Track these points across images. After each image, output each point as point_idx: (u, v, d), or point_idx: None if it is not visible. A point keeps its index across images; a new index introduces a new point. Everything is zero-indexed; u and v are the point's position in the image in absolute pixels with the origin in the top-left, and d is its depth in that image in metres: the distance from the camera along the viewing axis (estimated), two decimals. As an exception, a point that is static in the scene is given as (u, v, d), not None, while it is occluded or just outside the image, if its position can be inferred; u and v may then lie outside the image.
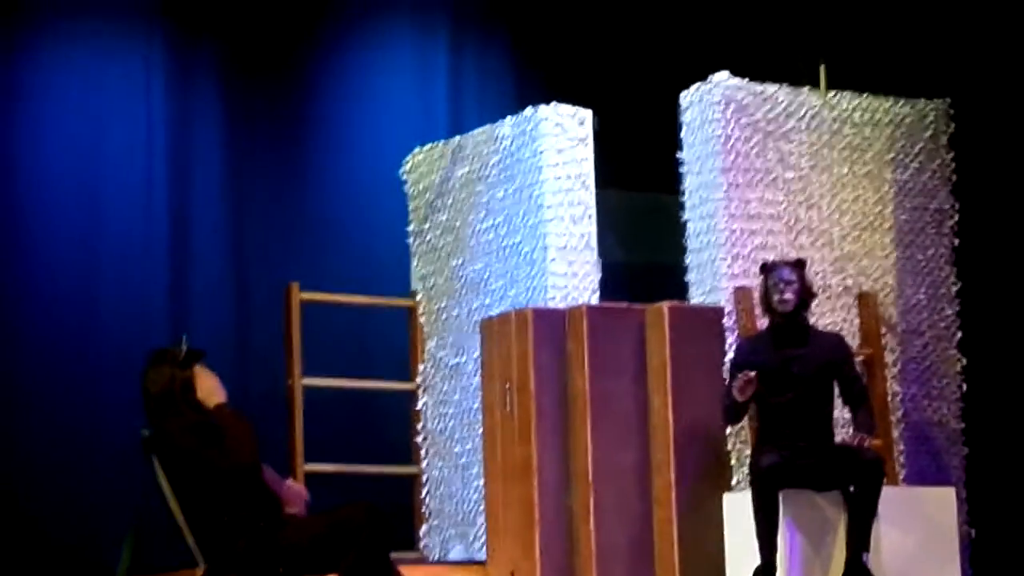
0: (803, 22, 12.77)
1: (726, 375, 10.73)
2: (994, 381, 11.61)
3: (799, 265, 10.38)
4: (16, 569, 11.52)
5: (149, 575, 9.46)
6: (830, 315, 11.12)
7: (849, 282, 11.53)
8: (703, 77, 11.43)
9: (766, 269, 10.43)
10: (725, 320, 11.06)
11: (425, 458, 12.36)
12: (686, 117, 11.47)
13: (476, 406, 11.51)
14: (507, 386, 10.81)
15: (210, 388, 8.70)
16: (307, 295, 11.92)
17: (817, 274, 10.98)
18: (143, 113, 12.80)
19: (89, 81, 12.67)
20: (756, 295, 10.89)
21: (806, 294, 10.33)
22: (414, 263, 12.62)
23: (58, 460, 11.87)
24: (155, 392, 8.54)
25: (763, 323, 10.74)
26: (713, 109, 11.29)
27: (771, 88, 11.55)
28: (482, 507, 11.36)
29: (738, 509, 10.32)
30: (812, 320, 10.66)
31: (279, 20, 13.01)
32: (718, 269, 11.20)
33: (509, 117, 11.88)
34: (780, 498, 10.03)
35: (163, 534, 8.74)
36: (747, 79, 11.45)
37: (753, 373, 9.94)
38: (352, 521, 8.34)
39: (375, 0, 13.50)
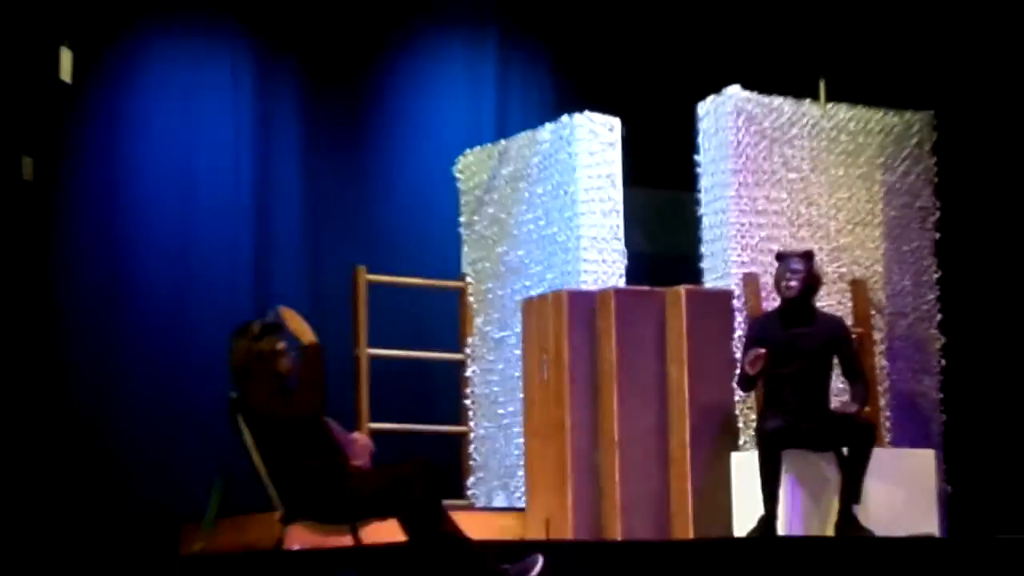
0: (805, 41, 12.72)
1: (735, 350, 10.73)
2: (970, 357, 11.54)
3: (807, 256, 10.38)
4: (127, 513, 11.48)
5: (235, 516, 9.41)
6: (827, 299, 11.03)
7: (844, 270, 11.52)
8: (718, 90, 11.38)
9: (779, 258, 10.44)
10: (734, 302, 10.99)
11: (472, 419, 12.33)
12: (702, 125, 11.41)
13: (517, 374, 11.49)
14: (544, 357, 10.84)
15: (301, 328, 8.67)
16: (372, 277, 11.85)
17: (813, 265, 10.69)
18: (231, 119, 12.76)
19: (185, 92, 12.60)
20: (766, 280, 10.89)
21: (812, 281, 10.32)
22: (464, 250, 12.57)
23: (162, 418, 11.88)
24: (235, 362, 8.55)
25: (774, 303, 10.69)
26: (726, 118, 11.26)
27: (777, 100, 11.50)
28: (522, 462, 11.37)
29: (745, 467, 10.31)
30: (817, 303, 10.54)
31: (348, 36, 12.96)
32: (728, 258, 11.16)
33: (548, 123, 11.86)
34: (782, 457, 10.00)
35: (247, 482, 8.60)
36: (756, 92, 11.40)
37: (763, 350, 9.94)
38: (410, 474, 8.25)
39: (432, 19, 13.35)
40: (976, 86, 11.53)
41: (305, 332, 8.71)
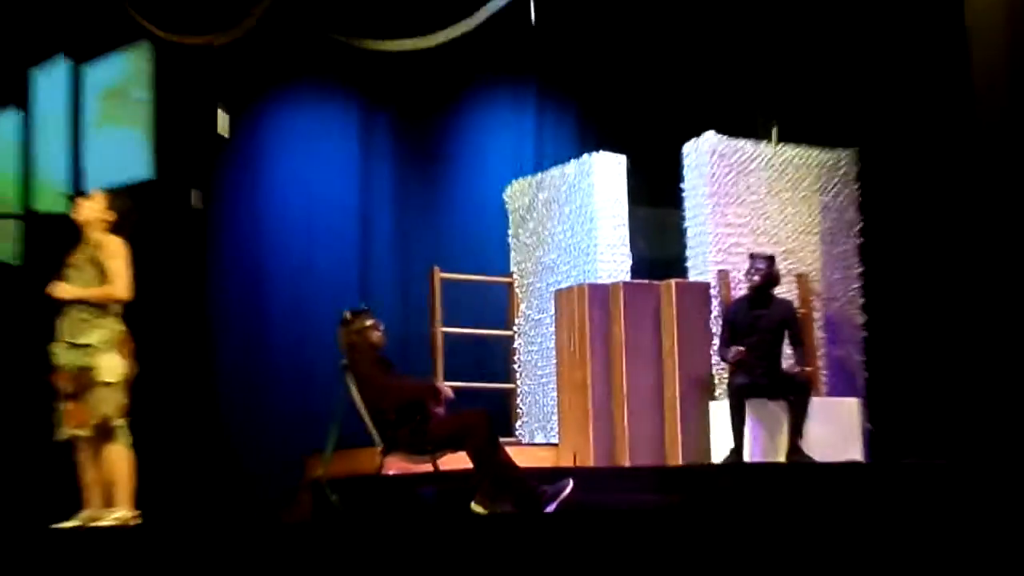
0: (762, 96, 12.69)
1: (712, 326, 11.00)
2: (884, 331, 11.62)
3: (770, 259, 10.73)
4: (273, 449, 11.79)
5: (346, 450, 9.52)
6: (779, 289, 10.92)
7: (791, 267, 11.54)
8: (698, 134, 11.56)
9: (751, 257, 10.80)
10: (711, 291, 11.22)
11: (519, 379, 12.36)
12: (687, 160, 11.60)
13: (551, 346, 11.61)
14: (572, 333, 11.10)
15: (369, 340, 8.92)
16: (444, 275, 11.98)
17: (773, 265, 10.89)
18: (342, 157, 12.79)
19: (308, 139, 12.67)
20: (735, 275, 11.10)
21: (772, 277, 10.65)
22: (512, 254, 12.63)
23: (294, 382, 12.02)
24: (341, 341, 8.92)
25: (742, 291, 10.89)
26: (704, 155, 11.48)
27: (741, 142, 11.70)
28: (555, 410, 11.50)
29: (719, 412, 10.60)
30: (775, 292, 10.77)
31: (426, 94, 12.89)
32: (707, 259, 11.39)
33: (573, 160, 12.07)
34: (746, 405, 10.29)
35: (355, 426, 8.89)
36: (726, 136, 11.58)
37: (743, 348, 10.31)
38: (474, 420, 8.45)
39: (487, 80, 13.18)
40: (888, 130, 11.51)
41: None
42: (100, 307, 7.74)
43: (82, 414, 7.67)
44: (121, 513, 7.69)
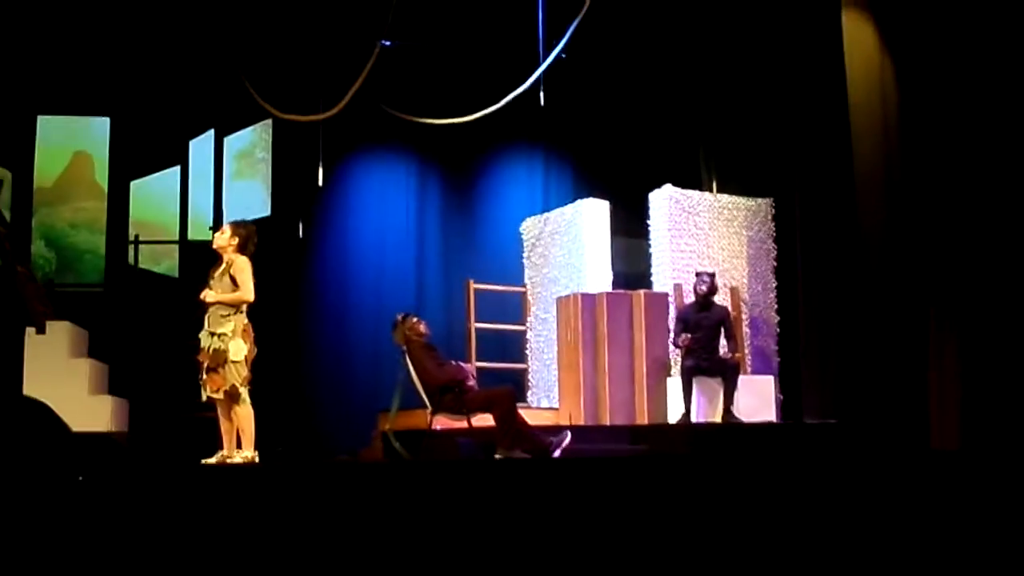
0: (706, 159, 12.61)
1: (670, 325, 10.86)
2: (792, 328, 11.52)
3: (712, 275, 10.70)
4: (355, 407, 11.70)
5: (406, 409, 9.44)
6: (718, 298, 10.90)
7: (726, 282, 11.51)
8: (660, 185, 11.58)
9: (697, 274, 10.75)
10: (669, 299, 11.13)
11: (530, 361, 12.28)
12: (652, 204, 11.62)
13: (554, 337, 11.51)
14: (568, 329, 11.02)
15: (419, 331, 8.95)
16: (476, 285, 12.01)
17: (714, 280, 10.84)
18: (403, 199, 12.71)
19: (380, 185, 12.66)
20: (686, 288, 11.03)
21: (713, 288, 10.60)
22: (526, 271, 12.50)
23: (370, 363, 11.88)
24: (395, 336, 8.97)
25: (691, 299, 10.84)
26: (664, 201, 11.49)
27: (690, 191, 11.72)
28: (556, 383, 11.36)
29: (674, 386, 10.54)
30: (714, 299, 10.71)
31: (463, 152, 12.71)
32: (665, 276, 11.40)
33: (570, 204, 12.07)
34: (693, 382, 10.27)
35: (411, 393, 8.91)
36: (679, 187, 11.59)
37: (691, 336, 10.27)
38: (500, 393, 8.65)
39: (507, 142, 12.94)
40: (794, 186, 11.41)
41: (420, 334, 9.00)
42: (233, 306, 7.85)
43: (218, 383, 7.77)
44: (247, 454, 7.80)
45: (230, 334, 7.76)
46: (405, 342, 8.89)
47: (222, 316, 7.81)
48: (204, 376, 7.81)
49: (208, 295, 7.87)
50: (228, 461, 7.77)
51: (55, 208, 12.18)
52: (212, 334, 7.79)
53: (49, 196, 12.16)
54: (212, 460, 7.81)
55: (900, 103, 9.26)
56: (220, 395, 7.78)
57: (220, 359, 7.76)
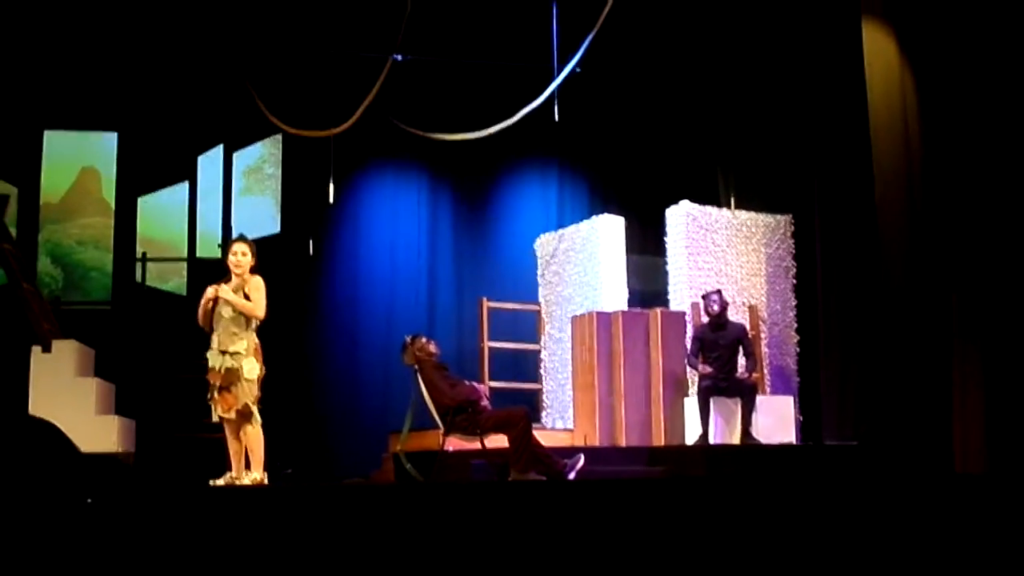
0: (724, 174, 12.61)
1: (686, 344, 10.81)
2: (811, 347, 11.54)
3: (719, 292, 10.63)
4: (365, 427, 11.68)
5: (418, 430, 9.45)
6: (736, 316, 11.06)
7: (744, 300, 11.58)
8: (676, 201, 11.53)
9: (704, 297, 10.71)
10: (686, 318, 11.14)
11: (544, 381, 12.32)
12: (669, 221, 11.58)
13: (568, 357, 11.48)
14: (584, 348, 11.02)
15: (429, 351, 8.91)
16: (490, 303, 12.06)
17: (728, 297, 10.89)
18: (415, 214, 12.79)
19: (391, 201, 12.76)
20: (702, 306, 10.89)
21: (723, 305, 10.55)
22: (540, 289, 12.55)
23: (381, 382, 11.94)
24: (405, 358, 8.92)
25: (706, 319, 10.75)
26: (681, 217, 11.47)
27: (708, 208, 11.69)
28: (571, 404, 11.37)
29: (692, 406, 10.51)
30: (729, 317, 10.70)
31: (477, 168, 12.80)
32: (682, 294, 11.37)
33: (585, 220, 12.06)
34: (711, 402, 10.25)
35: (423, 414, 8.89)
36: (697, 203, 11.56)
37: (710, 369, 10.27)
38: (514, 413, 8.62)
39: (522, 157, 13.00)
40: (813, 203, 11.43)
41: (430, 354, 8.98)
42: (244, 325, 7.82)
43: (230, 402, 7.72)
44: (256, 475, 7.76)
45: (243, 352, 7.73)
46: (416, 362, 8.89)
47: (234, 334, 7.76)
48: (214, 396, 7.76)
49: (222, 290, 7.78)
50: (237, 483, 7.74)
51: (62, 225, 12.24)
52: (224, 353, 7.72)
53: (56, 212, 12.23)
54: (220, 481, 7.78)
55: (921, 116, 9.24)
56: (232, 415, 7.72)
57: (233, 378, 7.70)
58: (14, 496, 3.75)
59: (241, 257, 7.91)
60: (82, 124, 12.20)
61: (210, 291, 7.84)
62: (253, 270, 7.96)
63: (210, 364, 7.76)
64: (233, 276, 7.88)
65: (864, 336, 10.33)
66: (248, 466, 7.79)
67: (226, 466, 7.91)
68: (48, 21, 11.05)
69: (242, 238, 8.09)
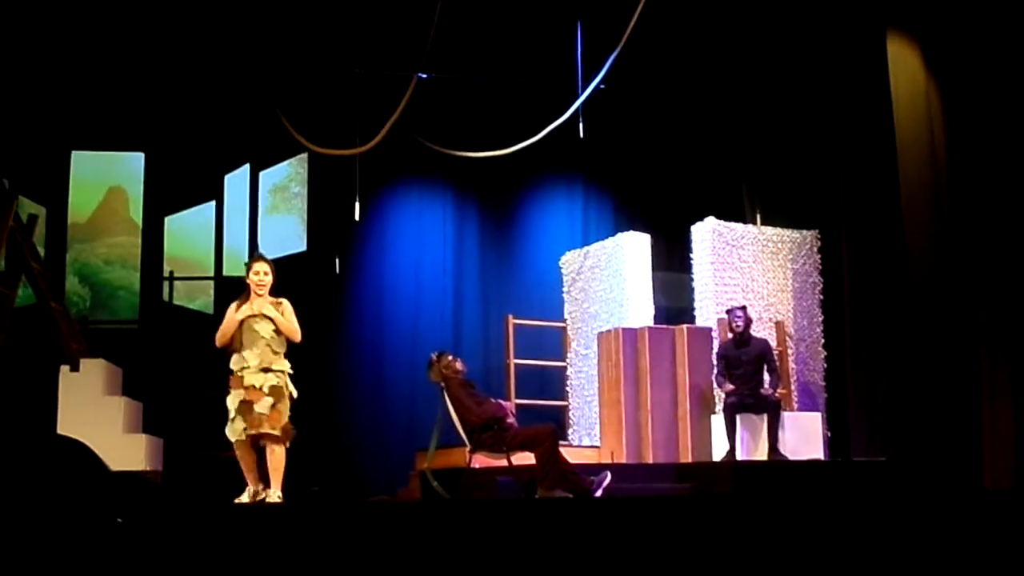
0: (750, 190, 12.58)
1: (713, 360, 10.79)
2: (838, 363, 11.45)
3: (743, 308, 10.62)
4: (393, 445, 11.72)
5: (445, 448, 9.47)
6: (762, 332, 11.04)
7: (771, 316, 11.55)
8: (702, 218, 11.54)
9: (728, 312, 10.70)
10: (713, 334, 11.10)
11: (571, 397, 12.28)
12: (694, 237, 11.58)
13: (595, 373, 11.46)
14: (610, 365, 11.02)
15: (455, 369, 8.86)
16: (516, 320, 12.02)
17: (755, 313, 10.93)
18: (440, 232, 12.76)
19: (417, 219, 12.75)
20: (726, 321, 10.84)
21: (748, 321, 10.53)
22: (566, 306, 12.52)
23: (407, 400, 11.89)
24: (432, 375, 8.86)
25: (729, 335, 10.72)
26: (707, 234, 11.47)
27: (734, 224, 11.69)
28: (597, 420, 11.35)
29: (718, 423, 10.48)
30: (753, 333, 10.65)
31: (502, 185, 12.78)
32: (708, 311, 11.35)
33: (610, 237, 12.06)
34: (736, 418, 10.23)
35: (450, 431, 8.80)
36: (723, 220, 11.56)
37: (733, 388, 10.27)
38: (541, 431, 8.51)
39: (547, 177, 13.03)
40: (840, 217, 11.27)
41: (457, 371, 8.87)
42: (282, 344, 7.87)
43: (275, 420, 7.72)
44: (279, 493, 7.77)
45: (286, 370, 7.84)
46: (442, 380, 8.88)
47: (276, 353, 7.85)
48: (250, 414, 7.74)
49: (267, 308, 7.83)
50: (265, 499, 7.75)
51: (89, 244, 12.33)
52: (267, 370, 7.78)
53: (83, 232, 12.32)
54: (244, 498, 7.80)
55: (947, 130, 9.23)
56: (277, 431, 7.76)
57: (279, 395, 7.77)
58: (46, 515, 3.79)
59: (263, 276, 7.97)
60: (109, 144, 12.29)
61: (246, 309, 7.88)
62: (273, 290, 8.00)
63: (248, 382, 7.75)
64: (254, 295, 7.92)
65: (892, 351, 10.27)
66: (267, 483, 7.80)
67: (245, 483, 7.89)
68: (76, 42, 11.13)
69: (262, 257, 8.17)
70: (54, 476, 3.84)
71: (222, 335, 7.91)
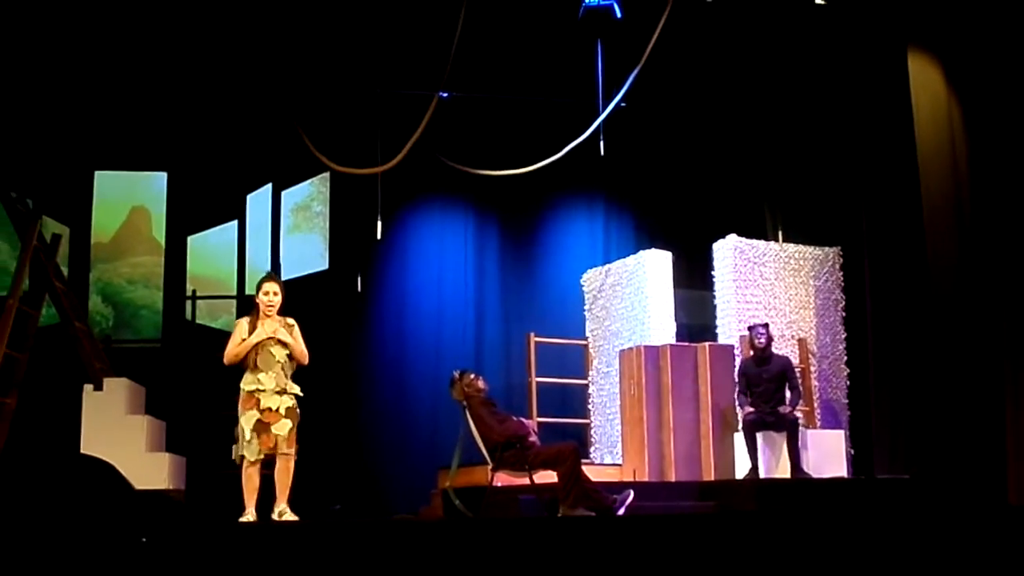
0: (771, 207, 12.57)
1: (735, 378, 10.76)
2: (862, 381, 11.38)
3: (766, 326, 10.61)
4: (414, 463, 11.67)
5: (466, 466, 9.48)
6: (785, 349, 11.07)
7: (793, 333, 11.54)
8: (723, 235, 11.57)
9: (750, 329, 10.67)
10: (735, 352, 11.07)
11: (592, 415, 12.26)
12: (716, 255, 11.62)
13: (616, 391, 11.45)
14: (632, 382, 10.99)
15: (477, 387, 8.96)
16: (537, 339, 12.03)
17: (777, 330, 10.96)
18: (461, 250, 12.75)
19: (438, 237, 12.70)
20: (748, 338, 10.81)
21: (769, 339, 10.54)
22: (587, 324, 12.49)
23: (428, 417, 11.86)
24: (454, 393, 8.96)
25: (750, 352, 10.69)
26: (728, 251, 11.49)
27: (756, 241, 11.70)
28: (620, 438, 11.30)
29: (741, 441, 10.45)
30: (774, 351, 10.68)
31: (523, 203, 12.77)
32: (731, 328, 11.36)
33: (632, 255, 12.04)
34: (757, 436, 10.21)
35: (471, 449, 8.95)
36: (744, 237, 11.58)
37: (751, 409, 10.26)
38: (563, 449, 8.56)
39: (568, 192, 12.96)
40: (862, 234, 11.22)
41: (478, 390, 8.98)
42: (292, 368, 7.93)
43: (291, 440, 7.80)
44: (284, 506, 7.83)
45: (298, 392, 7.92)
46: (464, 398, 8.91)
47: (287, 376, 7.92)
48: (266, 434, 7.79)
49: (280, 332, 7.88)
50: (281, 515, 7.79)
51: (112, 264, 12.38)
52: (283, 392, 7.85)
53: (106, 251, 12.38)
54: (274, 516, 7.85)
55: (969, 146, 9.24)
56: (293, 452, 7.83)
57: (294, 416, 7.85)
58: (73, 533, 3.82)
59: (273, 297, 8.00)
60: (132, 164, 12.34)
61: (260, 332, 7.91)
62: (288, 309, 8.06)
63: (265, 404, 7.80)
64: (263, 315, 7.96)
65: (915, 368, 10.26)
66: (275, 499, 7.87)
67: (247, 503, 7.88)
68: (99, 63, 11.21)
69: (272, 277, 8.22)
70: (80, 495, 3.87)
71: (234, 356, 7.95)
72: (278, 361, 7.87)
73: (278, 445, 7.77)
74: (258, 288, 8.06)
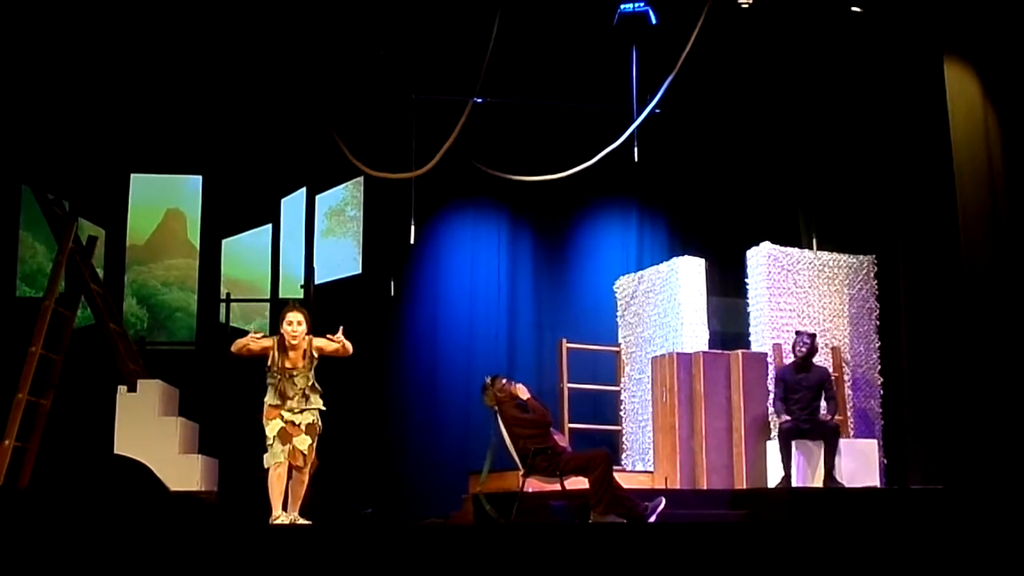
0: (806, 215, 12.43)
1: (769, 386, 10.82)
2: (896, 390, 11.34)
3: (812, 336, 10.64)
4: (447, 468, 11.66)
5: (498, 471, 9.61)
6: (818, 358, 10.91)
7: (827, 342, 11.41)
8: (757, 242, 11.51)
9: (797, 333, 10.69)
10: (768, 360, 11.06)
11: (624, 422, 12.21)
12: (750, 263, 11.54)
13: (648, 398, 11.44)
14: (664, 390, 11.01)
15: (519, 390, 9.01)
16: (569, 345, 11.99)
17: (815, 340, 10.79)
18: (495, 254, 12.81)
19: (471, 242, 12.77)
20: (788, 347, 10.83)
21: (813, 349, 10.55)
22: (620, 330, 12.45)
23: (461, 422, 11.98)
24: (486, 399, 9.03)
25: (789, 359, 10.74)
26: (762, 259, 11.42)
27: (790, 249, 11.64)
28: (651, 446, 11.32)
29: (774, 449, 10.47)
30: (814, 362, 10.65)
31: (556, 208, 12.84)
32: (764, 336, 11.30)
33: (665, 262, 12.02)
34: (792, 444, 10.24)
35: (503, 455, 9.04)
36: (778, 244, 11.52)
37: (788, 418, 10.28)
38: (595, 455, 8.61)
39: (601, 200, 13.02)
40: (897, 242, 11.19)
41: (521, 392, 9.01)
42: (316, 390, 8.04)
43: (312, 453, 7.96)
44: (296, 515, 7.98)
45: (321, 407, 8.06)
46: (496, 404, 8.95)
47: (313, 391, 8.06)
48: (289, 442, 7.92)
49: (306, 362, 8.01)
50: (298, 522, 7.89)
51: (147, 266, 12.48)
52: (305, 409, 7.98)
53: (142, 254, 12.48)
54: (285, 520, 7.95)
55: (1005, 155, 9.21)
56: (307, 468, 8.00)
57: (314, 433, 8.00)
58: (107, 535, 3.85)
59: (297, 327, 8.04)
60: (168, 167, 12.44)
61: (283, 363, 8.01)
62: (318, 327, 8.21)
63: (287, 419, 7.94)
64: (288, 346, 7.99)
65: (950, 377, 10.19)
66: (286, 507, 8.01)
67: (270, 508, 8.02)
68: (135, 67, 11.29)
69: (295, 307, 8.22)
70: (117, 497, 3.91)
71: (240, 347, 8.09)
72: (300, 389, 7.99)
73: (295, 459, 7.91)
74: (282, 318, 8.10)
